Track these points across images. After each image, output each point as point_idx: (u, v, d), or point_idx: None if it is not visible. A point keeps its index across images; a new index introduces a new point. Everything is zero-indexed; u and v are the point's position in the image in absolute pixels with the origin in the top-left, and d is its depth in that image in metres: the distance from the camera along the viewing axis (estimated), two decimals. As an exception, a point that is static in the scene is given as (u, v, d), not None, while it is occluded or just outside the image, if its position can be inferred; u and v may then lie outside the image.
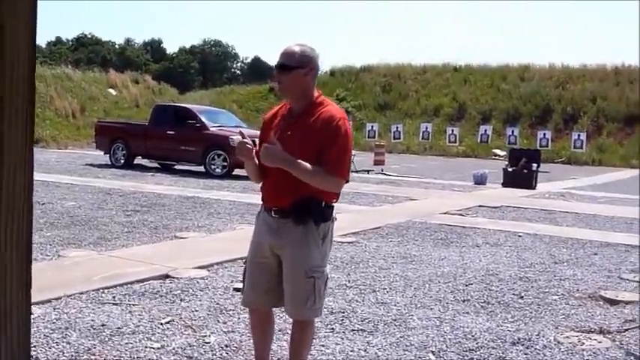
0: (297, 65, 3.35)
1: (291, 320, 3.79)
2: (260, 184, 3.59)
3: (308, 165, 3.28)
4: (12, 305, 1.00)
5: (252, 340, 4.41)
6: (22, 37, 0.95)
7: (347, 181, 3.44)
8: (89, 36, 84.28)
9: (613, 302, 5.98)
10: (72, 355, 4.12)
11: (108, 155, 19.79)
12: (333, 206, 3.49)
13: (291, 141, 3.34)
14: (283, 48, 3.43)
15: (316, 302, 3.45)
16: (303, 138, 3.35)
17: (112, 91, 38.25)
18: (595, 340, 4.90)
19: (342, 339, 4.68)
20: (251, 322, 3.86)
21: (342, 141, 3.37)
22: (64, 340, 4.39)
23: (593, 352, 4.61)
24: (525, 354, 4.53)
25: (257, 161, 3.46)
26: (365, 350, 4.46)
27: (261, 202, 3.60)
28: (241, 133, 3.52)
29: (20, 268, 1.01)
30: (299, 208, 3.36)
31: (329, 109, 3.43)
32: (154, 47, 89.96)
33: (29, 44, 0.97)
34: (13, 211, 0.97)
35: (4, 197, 0.95)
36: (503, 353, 4.52)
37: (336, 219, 3.55)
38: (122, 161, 19.31)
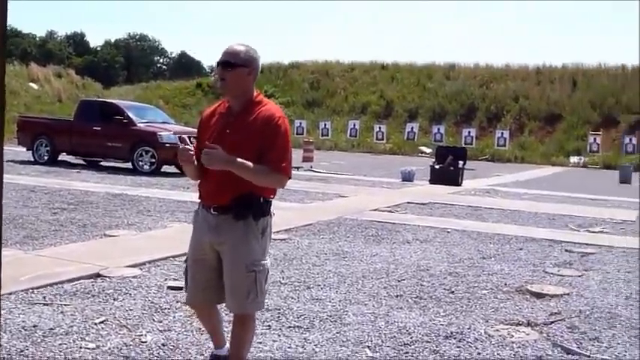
0: (241, 64, 3.41)
1: (231, 318, 3.80)
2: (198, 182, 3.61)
3: (251, 164, 3.33)
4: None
5: (188, 339, 4.45)
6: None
7: (289, 178, 3.51)
8: (8, 28, 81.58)
9: (539, 296, 6.19)
10: (4, 357, 4.01)
11: (31, 151, 19.26)
12: (270, 201, 3.56)
13: (231, 139, 3.39)
14: (229, 45, 3.48)
15: (258, 296, 3.51)
16: (243, 136, 3.40)
17: (33, 85, 37.23)
18: (523, 332, 5.07)
19: (279, 336, 4.70)
20: (198, 317, 4.04)
21: (283, 139, 3.45)
22: (-5, 342, 4.27)
23: (522, 344, 4.76)
24: (458, 347, 4.65)
25: (196, 161, 3.47)
26: (302, 346, 4.49)
27: (198, 201, 3.63)
28: (182, 140, 3.52)
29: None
30: (238, 204, 3.41)
31: (268, 108, 3.50)
32: (77, 40, 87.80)
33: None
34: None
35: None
36: (437, 347, 4.62)
37: (274, 214, 3.62)
38: (46, 158, 18.83)
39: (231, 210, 3.42)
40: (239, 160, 3.30)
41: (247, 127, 3.43)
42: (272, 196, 3.55)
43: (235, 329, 3.68)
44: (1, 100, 0.94)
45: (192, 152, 3.45)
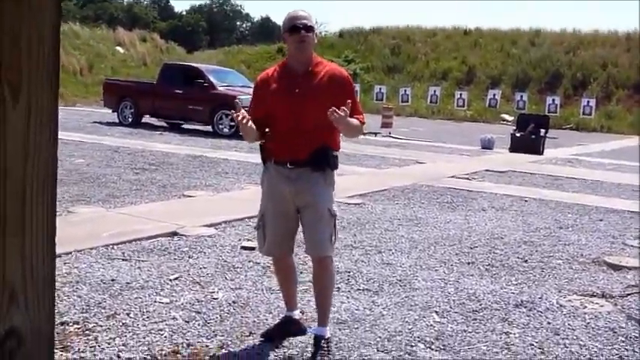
0: (314, 27, 3.75)
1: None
2: (259, 142, 3.87)
3: (356, 122, 3.70)
4: (38, 255, 1.04)
5: (258, 298, 4.55)
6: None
7: None
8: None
9: (616, 268, 6.03)
10: (83, 308, 4.21)
11: (116, 113, 19.80)
12: (337, 155, 3.84)
13: (302, 97, 3.65)
14: (294, 11, 3.76)
15: (336, 238, 3.81)
16: (315, 93, 3.68)
17: (119, 49, 38.14)
18: (597, 304, 4.97)
19: (348, 298, 4.75)
20: (275, 269, 4.18)
21: (355, 94, 3.82)
22: (75, 293, 4.47)
23: (595, 316, 4.67)
24: (528, 316, 4.60)
25: (253, 125, 3.68)
26: (370, 309, 4.53)
27: (265, 158, 3.86)
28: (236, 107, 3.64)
29: (45, 220, 1.05)
30: (316, 158, 3.68)
31: (333, 67, 3.85)
32: (162, 5, 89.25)
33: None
34: (39, 169, 1.00)
35: (31, 150, 0.99)
36: (506, 315, 4.59)
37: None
38: (130, 120, 19.32)
39: (309, 163, 3.67)
40: (352, 120, 3.64)
41: (317, 85, 3.70)
42: (339, 149, 3.85)
43: (318, 270, 3.88)
44: (55, 64, 0.97)
45: (250, 125, 3.63)
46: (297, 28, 3.65)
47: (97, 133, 16.30)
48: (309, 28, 3.67)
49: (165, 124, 19.45)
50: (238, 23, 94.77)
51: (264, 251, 4.00)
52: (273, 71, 3.86)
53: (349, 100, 3.53)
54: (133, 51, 38.49)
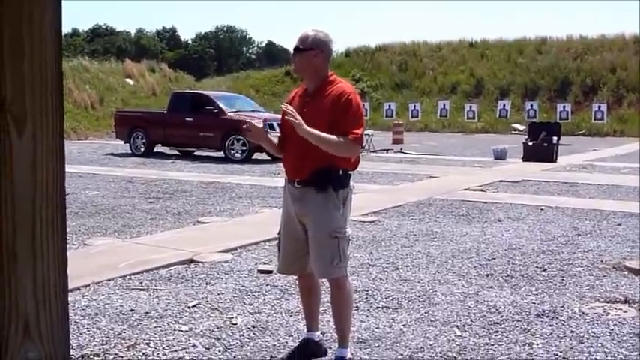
0: (309, 47, 3.72)
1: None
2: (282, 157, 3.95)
3: (329, 136, 3.59)
4: (50, 288, 1.04)
5: (277, 321, 4.54)
6: (48, 22, 0.98)
7: (362, 147, 3.88)
8: (104, 27, 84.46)
9: (638, 272, 5.96)
10: (103, 340, 4.20)
11: (128, 144, 19.87)
12: (350, 174, 3.79)
13: (307, 117, 3.65)
14: (300, 32, 3.79)
15: (341, 260, 3.73)
16: (317, 113, 3.68)
17: (129, 80, 38.38)
18: (620, 309, 4.91)
19: (367, 316, 4.72)
20: (298, 286, 4.21)
21: (354, 110, 3.73)
22: (95, 325, 4.47)
23: (619, 322, 4.61)
24: (550, 325, 4.55)
25: (275, 140, 3.96)
26: (390, 326, 4.50)
27: (284, 177, 3.94)
28: (245, 122, 3.99)
29: (56, 252, 1.05)
30: (319, 178, 3.67)
31: (340, 86, 3.79)
32: (168, 35, 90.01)
33: (56, 29, 1.00)
34: (47, 199, 1.00)
35: (39, 181, 0.99)
36: (527, 325, 4.54)
37: (354, 187, 3.87)
38: (142, 150, 19.37)
39: (311, 183, 3.69)
40: (318, 133, 3.57)
41: (320, 105, 3.72)
42: (351, 169, 3.79)
43: (333, 294, 3.89)
44: (59, 84, 0.98)
45: (260, 126, 3.91)
46: (292, 50, 3.81)
47: (110, 164, 16.39)
48: (297, 49, 3.76)
49: (177, 153, 19.51)
50: (244, 49, 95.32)
51: (277, 269, 4.07)
52: (297, 90, 4.00)
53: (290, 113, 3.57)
54: (142, 82, 38.72)
